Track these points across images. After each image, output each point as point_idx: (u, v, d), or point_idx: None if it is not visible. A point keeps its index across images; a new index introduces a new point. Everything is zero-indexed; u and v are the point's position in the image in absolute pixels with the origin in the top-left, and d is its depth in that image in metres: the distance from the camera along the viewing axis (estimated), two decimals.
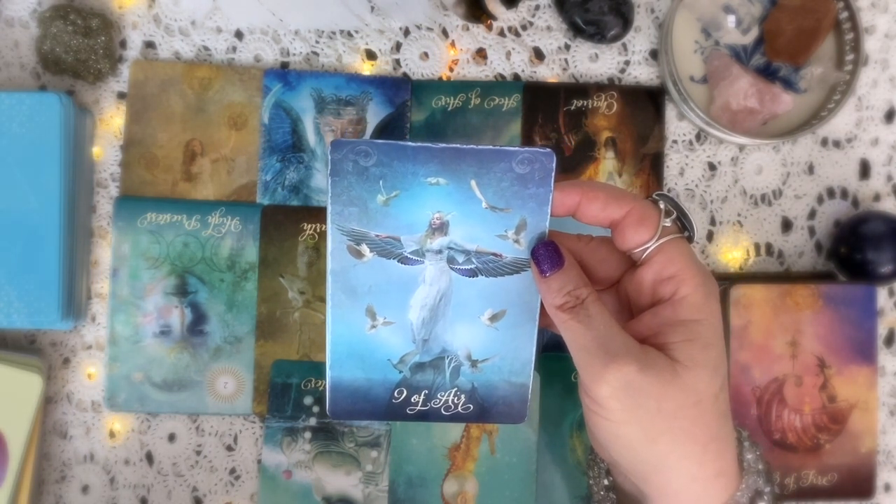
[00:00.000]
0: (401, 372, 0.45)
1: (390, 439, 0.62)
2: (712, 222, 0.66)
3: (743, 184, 0.66)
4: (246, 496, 0.63)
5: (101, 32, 0.61)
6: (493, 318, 0.44)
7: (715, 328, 0.42)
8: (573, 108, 0.65)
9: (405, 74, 0.65)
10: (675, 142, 0.66)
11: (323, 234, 0.63)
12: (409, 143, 0.41)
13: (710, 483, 0.42)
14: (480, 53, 0.66)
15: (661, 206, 0.43)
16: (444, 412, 0.46)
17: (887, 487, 0.66)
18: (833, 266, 0.66)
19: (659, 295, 0.43)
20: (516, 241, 0.43)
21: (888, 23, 0.68)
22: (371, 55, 0.65)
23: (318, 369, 0.62)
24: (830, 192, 0.67)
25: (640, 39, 0.66)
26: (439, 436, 0.62)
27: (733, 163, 0.66)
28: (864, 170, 0.68)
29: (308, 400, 0.62)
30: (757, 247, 0.67)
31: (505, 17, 0.66)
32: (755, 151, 0.67)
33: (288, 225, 0.63)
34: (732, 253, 0.66)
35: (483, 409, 0.46)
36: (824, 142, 0.67)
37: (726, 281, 0.64)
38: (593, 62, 0.66)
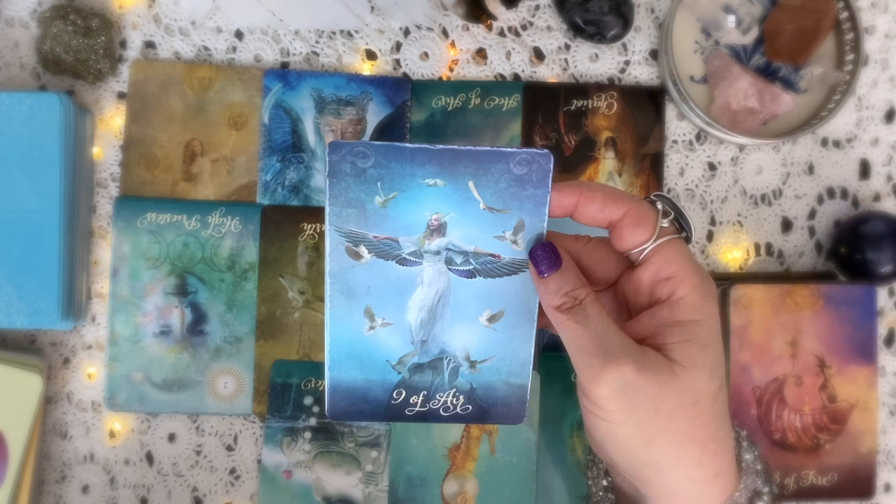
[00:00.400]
0: (399, 373, 0.45)
1: (390, 439, 0.62)
2: (712, 222, 0.66)
3: (743, 184, 0.66)
4: (246, 496, 0.63)
5: (101, 32, 0.61)
6: (492, 318, 0.44)
7: (712, 329, 0.42)
8: (573, 108, 0.65)
9: (405, 74, 0.65)
10: (675, 142, 0.66)
11: (323, 234, 0.63)
12: (407, 145, 0.41)
13: (708, 483, 0.42)
14: (480, 53, 0.66)
15: (659, 206, 0.43)
16: (442, 413, 0.46)
17: (887, 487, 0.66)
18: (833, 266, 0.66)
19: (657, 295, 0.43)
20: (514, 242, 0.43)
21: (888, 23, 0.68)
22: (371, 55, 0.66)
23: (318, 369, 0.62)
24: (830, 192, 0.67)
25: (640, 39, 0.66)
26: (439, 436, 0.62)
27: (733, 163, 0.66)
28: (864, 170, 0.68)
29: (308, 400, 0.62)
30: (757, 247, 0.67)
31: (505, 17, 0.66)
32: (755, 151, 0.66)
33: (288, 225, 0.63)
34: (732, 253, 0.66)
35: (482, 410, 0.46)
36: (824, 142, 0.67)
37: (726, 281, 0.64)
38: (593, 62, 0.66)
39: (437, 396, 0.45)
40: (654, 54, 0.67)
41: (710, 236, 0.66)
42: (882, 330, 0.67)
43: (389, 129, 0.64)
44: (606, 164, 0.65)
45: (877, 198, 0.67)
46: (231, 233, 0.62)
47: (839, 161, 0.67)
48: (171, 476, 0.63)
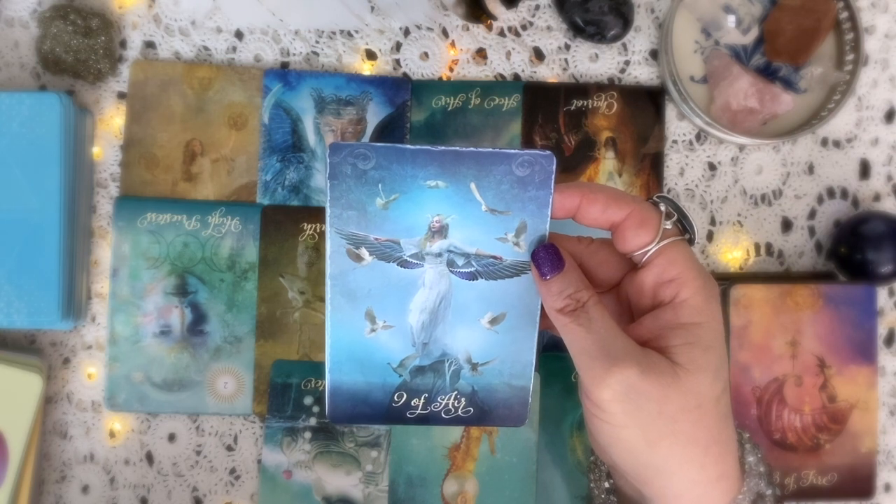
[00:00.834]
0: (401, 376, 0.45)
1: (390, 439, 0.62)
2: (712, 222, 0.66)
3: (743, 184, 0.66)
4: (246, 496, 0.63)
5: (101, 32, 0.61)
6: (494, 321, 0.44)
7: (716, 331, 0.42)
8: (573, 108, 0.65)
9: (405, 74, 0.65)
10: (675, 142, 0.66)
11: (323, 234, 0.63)
12: (408, 146, 0.41)
13: (711, 486, 0.42)
14: (480, 53, 0.66)
15: (662, 208, 0.43)
16: (444, 416, 0.46)
17: (887, 487, 0.66)
18: (833, 266, 0.66)
19: (660, 298, 0.43)
20: (516, 244, 0.43)
21: (888, 23, 0.68)
22: (371, 55, 0.65)
23: (318, 369, 0.62)
24: (830, 192, 0.67)
25: (640, 39, 0.66)
26: (439, 436, 0.62)
27: (733, 163, 0.66)
28: (864, 170, 0.68)
29: (308, 400, 0.62)
30: (757, 247, 0.67)
31: (505, 17, 0.66)
32: (755, 151, 0.66)
33: (288, 225, 0.63)
34: (732, 253, 0.66)
35: (483, 413, 0.46)
36: (824, 142, 0.67)
37: (726, 281, 0.64)
38: (593, 62, 0.66)
39: (439, 399, 0.45)
40: (654, 54, 0.67)
41: (710, 236, 0.66)
42: (882, 330, 0.67)
43: (389, 130, 0.64)
44: (606, 164, 0.65)
45: (877, 198, 0.67)
46: (231, 233, 0.62)
47: (839, 161, 0.67)
48: (171, 476, 0.63)
